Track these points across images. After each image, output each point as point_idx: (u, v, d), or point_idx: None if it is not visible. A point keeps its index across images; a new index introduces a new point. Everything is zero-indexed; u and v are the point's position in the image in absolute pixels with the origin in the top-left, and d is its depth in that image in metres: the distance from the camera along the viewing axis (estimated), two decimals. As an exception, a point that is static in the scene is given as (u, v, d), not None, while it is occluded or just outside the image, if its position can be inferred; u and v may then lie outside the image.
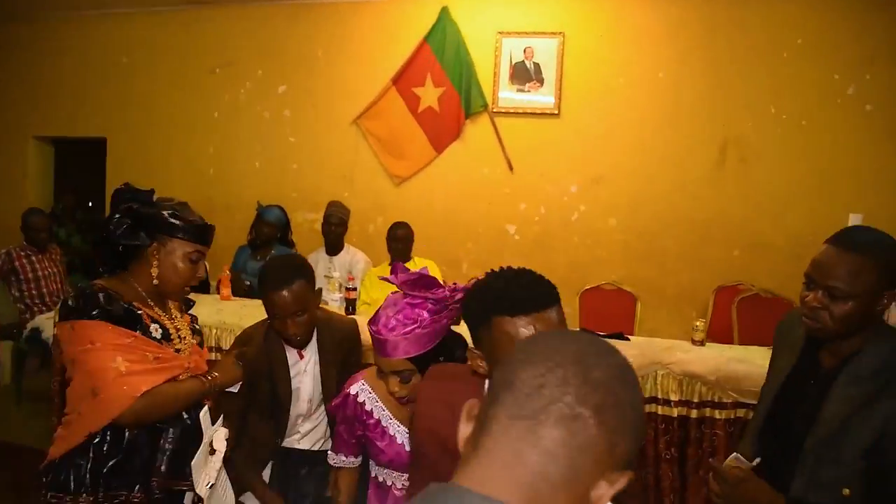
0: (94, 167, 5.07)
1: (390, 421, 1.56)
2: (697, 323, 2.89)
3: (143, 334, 1.43)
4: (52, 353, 3.09)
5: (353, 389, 1.60)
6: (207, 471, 1.49)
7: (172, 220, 1.46)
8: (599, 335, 2.63)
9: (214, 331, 2.92)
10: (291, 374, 1.87)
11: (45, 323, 3.51)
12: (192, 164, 4.77)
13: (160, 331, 1.50)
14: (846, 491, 1.22)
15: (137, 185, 1.49)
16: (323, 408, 1.93)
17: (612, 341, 2.15)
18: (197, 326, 1.71)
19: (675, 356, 2.61)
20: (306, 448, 1.92)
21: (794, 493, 1.26)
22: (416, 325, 1.34)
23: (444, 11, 4.21)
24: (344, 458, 1.66)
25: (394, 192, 4.41)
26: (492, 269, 1.15)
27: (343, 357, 1.91)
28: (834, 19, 3.85)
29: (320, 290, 1.86)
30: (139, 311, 1.45)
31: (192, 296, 1.69)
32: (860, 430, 1.22)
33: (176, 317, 1.60)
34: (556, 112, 4.12)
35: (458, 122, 4.26)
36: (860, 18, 3.81)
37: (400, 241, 3.44)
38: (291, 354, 1.89)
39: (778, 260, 3.99)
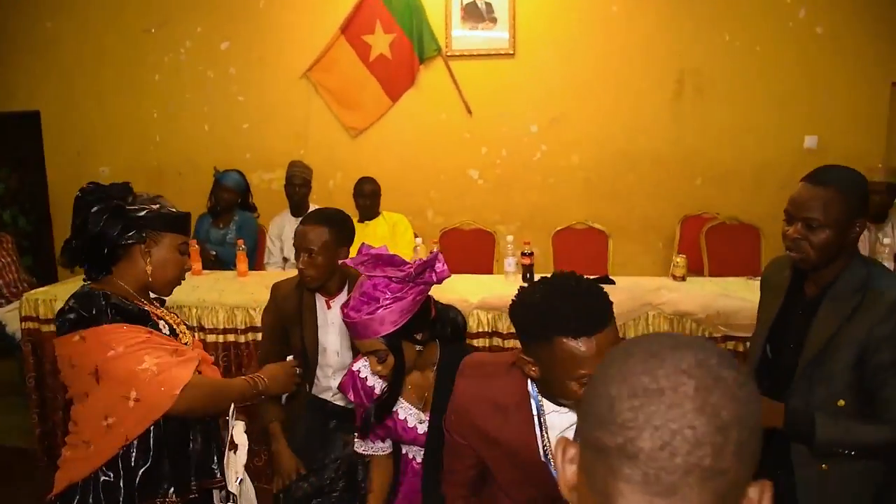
0: (29, 142, 5.31)
1: (401, 403, 1.64)
2: (677, 259, 3.25)
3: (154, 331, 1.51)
4: (20, 348, 3.36)
5: (356, 366, 1.71)
6: (235, 467, 1.60)
7: (162, 214, 1.56)
8: (588, 279, 2.95)
9: (194, 310, 3.10)
10: (318, 324, 2.08)
11: (6, 316, 3.83)
12: (136, 132, 5.05)
13: (167, 327, 1.59)
14: (841, 402, 1.50)
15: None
16: None
17: (601, 285, 2.56)
18: (188, 323, 1.80)
19: (664, 296, 2.94)
20: (340, 404, 2.09)
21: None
22: (378, 306, 1.46)
23: (390, -47, 4.54)
24: (372, 445, 1.72)
25: (351, 145, 4.78)
26: (544, 278, 1.29)
27: None
28: (783, -59, 4.29)
29: (347, 248, 2.03)
30: (146, 309, 1.55)
31: None
32: (844, 346, 1.49)
33: (168, 314, 1.69)
34: (512, 52, 4.51)
35: (412, 69, 4.62)
36: (808, -61, 4.26)
37: (367, 196, 3.78)
38: (321, 304, 2.09)
39: (739, 186, 4.49)
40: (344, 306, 1.51)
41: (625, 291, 2.97)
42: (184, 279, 1.67)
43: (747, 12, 4.36)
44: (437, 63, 4.58)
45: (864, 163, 4.03)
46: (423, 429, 1.63)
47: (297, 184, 3.96)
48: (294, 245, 2.01)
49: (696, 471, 0.52)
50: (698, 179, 4.54)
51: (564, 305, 1.18)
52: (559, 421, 1.33)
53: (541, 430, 1.33)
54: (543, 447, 1.33)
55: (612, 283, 3.14)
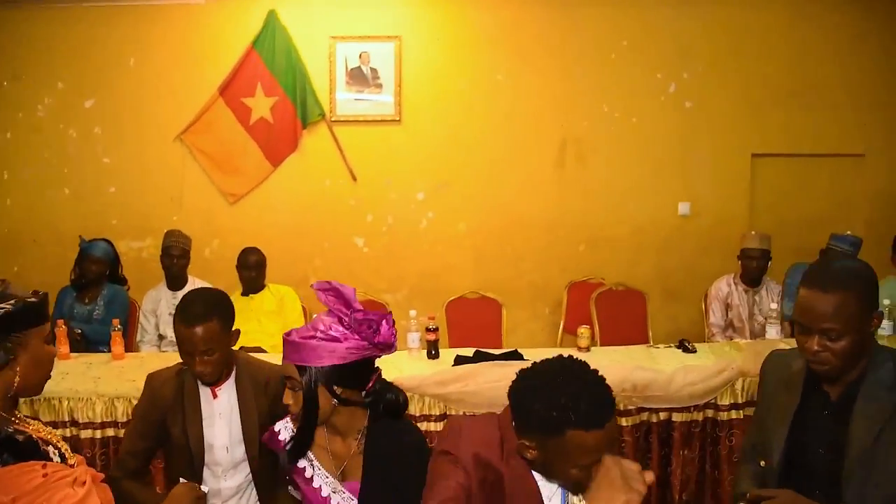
0: None
1: (317, 470, 1.88)
2: (581, 330, 3.91)
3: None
4: None
5: (278, 427, 1.97)
6: None
7: (20, 309, 1.56)
8: (494, 356, 3.60)
9: (66, 402, 3.25)
10: (204, 416, 2.24)
11: None
12: (-18, 195, 5.52)
13: (56, 453, 1.58)
14: None
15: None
16: (247, 464, 2.29)
17: (507, 363, 3.39)
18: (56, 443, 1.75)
19: None
20: None
21: None
22: (313, 335, 1.73)
23: (272, 15, 5.30)
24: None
25: (229, 211, 5.48)
26: (548, 363, 1.56)
27: (270, 403, 2.24)
28: (654, 20, 5.45)
29: (238, 331, 2.25)
30: (29, 433, 1.53)
31: None
32: (893, 446, 1.69)
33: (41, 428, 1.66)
34: (398, 118, 5.44)
35: (294, 133, 5.43)
36: (676, 19, 5.45)
37: (253, 268, 4.38)
38: (205, 394, 2.26)
39: (620, 250, 5.55)
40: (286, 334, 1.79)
41: None
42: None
43: (623, 85, 5.50)
44: (321, 128, 5.42)
45: (730, 228, 5.31)
46: (336, 500, 1.88)
47: (176, 255, 4.46)
48: (185, 350, 2.15)
49: None
50: (582, 245, 5.60)
51: (579, 399, 1.43)
52: (546, 489, 1.64)
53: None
54: None
55: (522, 358, 3.62)
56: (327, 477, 1.87)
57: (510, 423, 1.60)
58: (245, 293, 4.50)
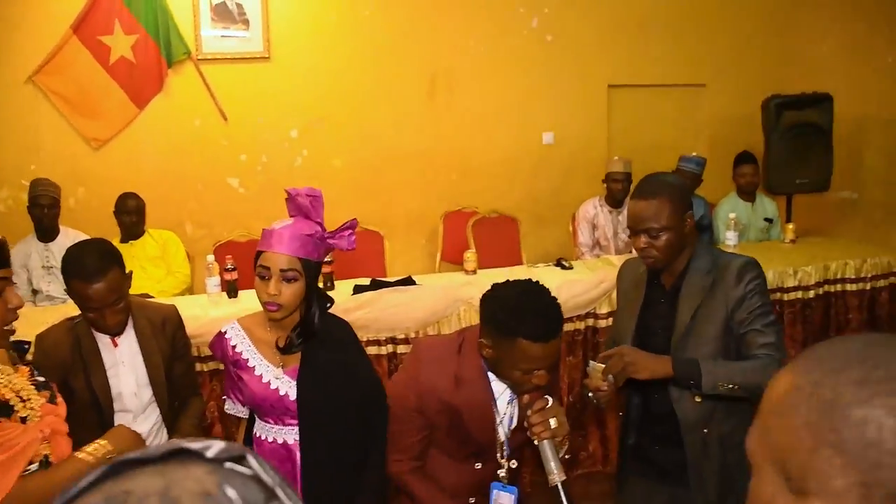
0: None
1: (260, 362, 2.13)
2: (467, 255, 4.29)
3: None
4: None
5: (225, 329, 2.19)
6: None
7: None
8: (390, 283, 3.89)
9: None
10: (107, 366, 2.32)
11: None
12: None
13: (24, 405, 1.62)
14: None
15: None
16: (156, 405, 2.41)
17: (403, 288, 3.61)
18: (40, 378, 1.87)
19: (470, 291, 3.78)
20: None
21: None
22: (313, 233, 2.03)
23: (125, -53, 5.20)
24: (232, 406, 2.23)
25: (93, 157, 5.35)
26: (518, 281, 1.97)
27: (169, 343, 2.43)
28: (515, -46, 5.78)
29: (131, 272, 2.35)
30: None
31: None
32: (710, 318, 2.13)
33: (9, 373, 1.74)
34: (267, 56, 5.45)
35: (159, 73, 5.34)
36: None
37: (132, 213, 4.42)
38: (104, 344, 2.34)
39: (491, 178, 5.93)
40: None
41: (434, 290, 3.91)
42: (14, 319, 1.80)
43: (489, 19, 5.78)
44: (188, 67, 5.36)
45: (591, 154, 5.77)
46: (276, 385, 2.11)
47: (46, 204, 4.42)
48: (92, 307, 2.20)
49: None
50: (454, 175, 5.92)
51: (533, 313, 1.82)
52: (498, 386, 2.05)
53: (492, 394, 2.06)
54: (494, 408, 2.05)
55: (415, 283, 3.96)
56: (269, 366, 2.13)
57: (474, 330, 2.06)
58: (124, 240, 4.53)
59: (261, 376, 2.12)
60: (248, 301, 3.76)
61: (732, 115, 6.16)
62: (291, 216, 2.13)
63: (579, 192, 5.58)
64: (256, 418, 2.22)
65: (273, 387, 2.12)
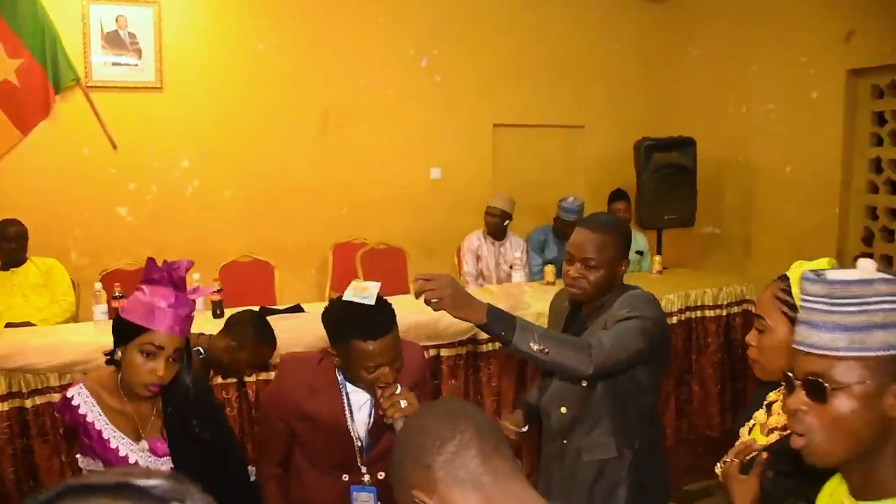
0: None
1: (114, 433, 2.06)
2: (361, 283, 4.63)
3: None
4: None
5: (70, 393, 2.09)
6: None
7: None
8: (279, 310, 4.04)
9: None
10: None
11: None
12: None
13: None
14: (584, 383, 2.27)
15: None
16: None
17: (292, 315, 3.76)
18: None
19: None
20: None
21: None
22: (189, 309, 2.04)
23: (12, -28, 5.22)
24: (91, 462, 2.12)
25: (-27, 181, 5.32)
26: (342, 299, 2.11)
27: None
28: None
29: None
30: None
31: None
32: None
33: None
34: (159, 86, 5.54)
35: (46, 98, 5.33)
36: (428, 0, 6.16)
37: (13, 240, 4.44)
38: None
39: (380, 211, 6.20)
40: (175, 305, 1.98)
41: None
42: None
43: (379, 58, 6.09)
44: (77, 93, 5.39)
45: (476, 189, 6.11)
46: (135, 459, 2.06)
47: None
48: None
49: None
50: (344, 208, 6.15)
51: (359, 316, 2.04)
52: (358, 397, 2.21)
53: (347, 403, 2.21)
54: (349, 417, 2.20)
55: (303, 311, 4.13)
56: (123, 439, 2.07)
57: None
58: (5, 267, 4.55)
59: (117, 449, 2.07)
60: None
61: (608, 154, 6.66)
62: (161, 285, 2.04)
63: (465, 225, 5.92)
64: None
65: (132, 461, 2.08)
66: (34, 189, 5.36)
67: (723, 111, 6.24)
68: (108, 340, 3.20)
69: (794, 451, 1.30)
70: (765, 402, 1.83)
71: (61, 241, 5.39)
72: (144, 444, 2.09)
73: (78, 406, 2.06)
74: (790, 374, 1.25)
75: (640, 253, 5.70)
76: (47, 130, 5.36)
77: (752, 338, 1.77)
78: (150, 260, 2.07)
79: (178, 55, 5.59)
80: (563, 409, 2.34)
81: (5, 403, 3.36)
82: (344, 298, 2.13)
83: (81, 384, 2.10)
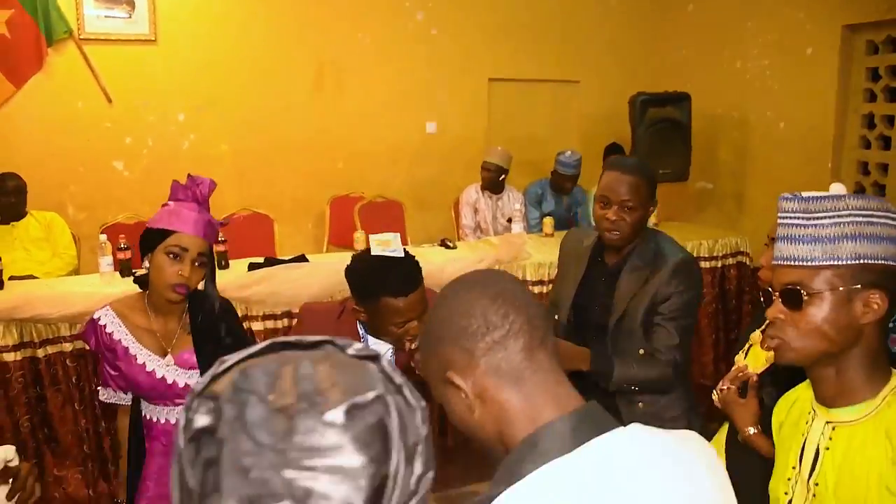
0: None
1: (140, 350, 2.14)
2: (357, 235, 4.60)
3: None
4: None
5: (97, 314, 2.17)
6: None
7: None
8: (284, 261, 4.10)
9: None
10: None
11: None
12: None
13: None
14: (641, 352, 2.26)
15: None
16: None
17: (297, 265, 3.83)
18: None
19: None
20: None
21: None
22: (211, 218, 2.14)
23: (0, -80, 5.12)
24: (112, 394, 2.23)
25: (-34, 135, 5.28)
26: (370, 250, 2.15)
27: None
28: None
29: None
30: None
31: None
32: (641, 306, 2.23)
33: None
34: (153, 38, 5.49)
35: (38, 51, 5.28)
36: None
37: (12, 193, 4.45)
38: None
39: (376, 166, 6.23)
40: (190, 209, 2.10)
41: (327, 266, 4.08)
42: None
43: (375, 13, 6.06)
44: (70, 46, 5.33)
45: (471, 144, 6.15)
46: (163, 374, 2.14)
47: None
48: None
49: None
50: (340, 163, 6.17)
51: (389, 273, 2.07)
52: (379, 348, 2.19)
53: None
54: None
55: (307, 261, 4.21)
56: (150, 355, 2.15)
57: (351, 300, 2.25)
58: (5, 221, 4.56)
59: (144, 365, 2.15)
60: (239, 268, 4.05)
61: (603, 110, 6.68)
62: (185, 201, 2.15)
63: (460, 179, 5.97)
64: (143, 401, 2.25)
65: (159, 376, 2.16)
66: (29, 143, 5.34)
67: (718, 67, 6.26)
68: (114, 291, 3.24)
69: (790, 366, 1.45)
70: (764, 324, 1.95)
71: (57, 196, 5.39)
72: (170, 358, 2.18)
73: (104, 326, 2.15)
74: (769, 289, 1.38)
75: (635, 207, 5.77)
76: (41, 84, 5.32)
77: (767, 259, 1.85)
78: (175, 182, 2.20)
79: (172, 8, 5.54)
80: (640, 352, 2.31)
81: (18, 353, 3.41)
82: (373, 253, 2.16)
83: (108, 307, 2.18)
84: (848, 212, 1.28)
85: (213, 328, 2.22)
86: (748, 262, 5.07)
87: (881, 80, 5.27)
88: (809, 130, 5.58)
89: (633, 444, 0.96)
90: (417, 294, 2.12)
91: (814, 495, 1.37)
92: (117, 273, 3.95)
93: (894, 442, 1.26)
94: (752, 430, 1.78)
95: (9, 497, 1.58)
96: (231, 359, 0.71)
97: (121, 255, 3.94)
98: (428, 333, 1.09)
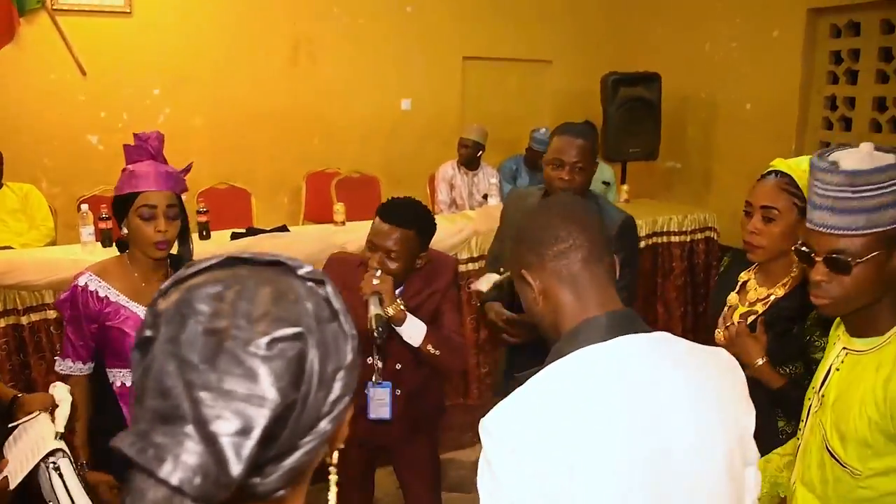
0: None
1: (130, 304, 2.21)
2: (337, 207, 4.62)
3: None
4: None
5: (81, 280, 2.21)
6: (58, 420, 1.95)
7: None
8: (266, 230, 4.17)
9: None
10: None
11: None
12: None
13: None
14: None
15: None
16: None
17: (279, 234, 3.92)
18: None
19: (343, 237, 4.19)
20: None
21: None
22: (171, 168, 2.21)
23: None
24: (71, 364, 2.24)
25: (-62, 106, 5.24)
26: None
27: None
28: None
29: None
30: None
31: None
32: None
33: None
34: (128, 11, 5.48)
35: (9, 22, 5.23)
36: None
37: None
38: None
39: (351, 142, 6.30)
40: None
41: (309, 235, 4.30)
42: None
43: (351, -11, 6.13)
44: (42, 17, 5.31)
45: (445, 121, 6.24)
46: None
47: None
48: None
49: None
50: (315, 139, 6.22)
51: (395, 201, 2.41)
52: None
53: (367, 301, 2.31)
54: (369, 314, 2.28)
55: (288, 230, 4.30)
56: (139, 307, 2.20)
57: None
58: (-19, 193, 4.50)
59: (136, 315, 2.20)
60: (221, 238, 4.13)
61: (574, 89, 6.82)
62: (141, 160, 2.23)
63: (434, 155, 6.07)
64: (109, 370, 2.26)
65: None
66: (1, 116, 5.31)
67: (687, 48, 6.42)
68: (97, 259, 3.24)
69: (788, 310, 1.83)
70: (738, 282, 2.18)
71: (31, 170, 5.38)
72: None
73: (86, 285, 2.20)
74: (806, 250, 1.53)
75: (606, 183, 5.91)
76: (12, 55, 5.30)
77: (757, 227, 2.01)
78: (126, 145, 2.29)
79: (147, -21, 5.53)
80: None
81: (1, 320, 3.45)
82: None
83: (88, 271, 2.23)
84: (888, 183, 1.39)
85: None
86: (716, 238, 5.25)
87: (843, 62, 5.46)
88: (774, 111, 5.76)
89: (660, 343, 1.19)
90: (393, 230, 2.34)
91: (821, 405, 1.60)
92: (98, 243, 3.98)
93: (880, 373, 1.45)
94: (761, 361, 1.93)
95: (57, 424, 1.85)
96: (189, 270, 0.78)
97: (102, 225, 3.97)
98: (515, 237, 1.34)
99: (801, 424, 1.69)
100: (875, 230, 1.41)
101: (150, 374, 0.70)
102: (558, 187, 2.59)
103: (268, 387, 0.68)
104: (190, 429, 0.66)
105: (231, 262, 0.79)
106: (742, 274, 2.18)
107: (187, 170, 2.35)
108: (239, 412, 0.67)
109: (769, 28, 5.74)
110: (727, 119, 6.21)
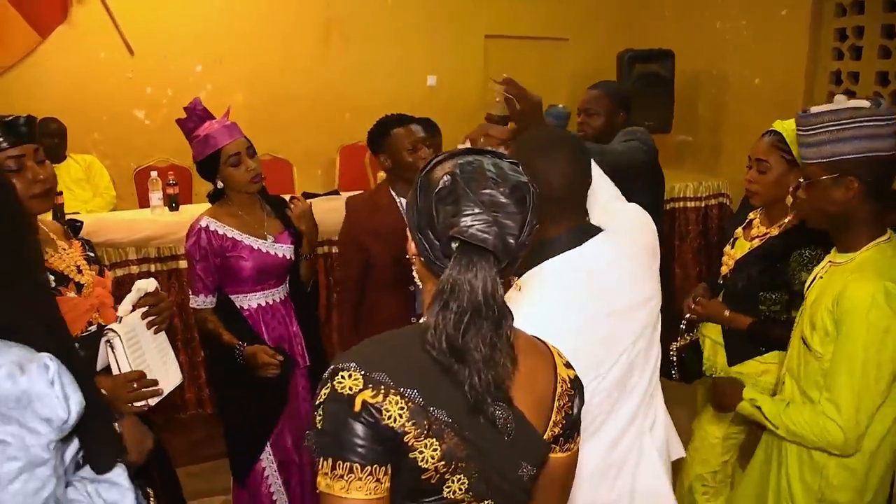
0: None
1: (247, 237, 2.63)
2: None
3: None
4: None
5: (203, 223, 2.61)
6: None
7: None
8: (319, 194, 4.59)
9: None
10: None
11: None
12: None
13: (52, 278, 1.80)
14: None
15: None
16: None
17: (335, 196, 4.33)
18: (91, 254, 2.08)
19: None
20: None
21: None
22: (228, 121, 2.68)
23: None
24: (203, 299, 2.64)
25: (-6, 83, 5.56)
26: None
27: None
28: None
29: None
30: None
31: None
32: None
33: (64, 247, 1.95)
34: (171, -8, 5.85)
35: (62, 3, 5.58)
36: None
37: (54, 135, 4.81)
38: None
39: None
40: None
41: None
42: (37, 191, 1.83)
43: (378, -32, 6.46)
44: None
45: (467, 98, 6.58)
46: (274, 251, 2.68)
47: None
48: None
49: None
50: (347, 114, 6.57)
51: (397, 117, 2.83)
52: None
53: (403, 212, 2.69)
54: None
55: (339, 195, 4.67)
56: (257, 240, 2.68)
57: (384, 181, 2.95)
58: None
59: (259, 249, 2.65)
60: (188, 213, 4.31)
61: (590, 66, 7.14)
62: (198, 125, 2.66)
63: (457, 129, 6.37)
64: (232, 297, 2.69)
65: (273, 253, 2.70)
66: (53, 92, 5.65)
67: (699, 26, 6.77)
68: (171, 220, 3.89)
69: (778, 247, 2.37)
70: (747, 220, 2.69)
71: (81, 144, 5.70)
72: (271, 238, 2.73)
73: (207, 226, 2.62)
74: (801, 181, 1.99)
75: (622, 157, 6.27)
76: (65, 34, 5.63)
77: (753, 177, 2.51)
78: (179, 120, 2.72)
79: (190, -39, 5.85)
80: None
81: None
82: None
83: (204, 217, 2.65)
84: (828, 123, 1.83)
85: (281, 203, 2.89)
86: (728, 203, 5.64)
87: (848, 39, 5.82)
88: (781, 86, 6.12)
89: (607, 244, 1.68)
90: (423, 125, 2.85)
91: (804, 305, 2.06)
92: (166, 207, 4.34)
93: (840, 281, 1.89)
94: (727, 313, 2.53)
95: (144, 316, 1.91)
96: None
97: (169, 191, 4.33)
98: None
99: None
100: (819, 161, 1.86)
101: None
102: (579, 132, 3.23)
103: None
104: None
105: (464, 152, 1.18)
106: (751, 213, 2.67)
107: (227, 114, 2.81)
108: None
109: (777, 7, 6.09)
110: (737, 94, 6.57)
